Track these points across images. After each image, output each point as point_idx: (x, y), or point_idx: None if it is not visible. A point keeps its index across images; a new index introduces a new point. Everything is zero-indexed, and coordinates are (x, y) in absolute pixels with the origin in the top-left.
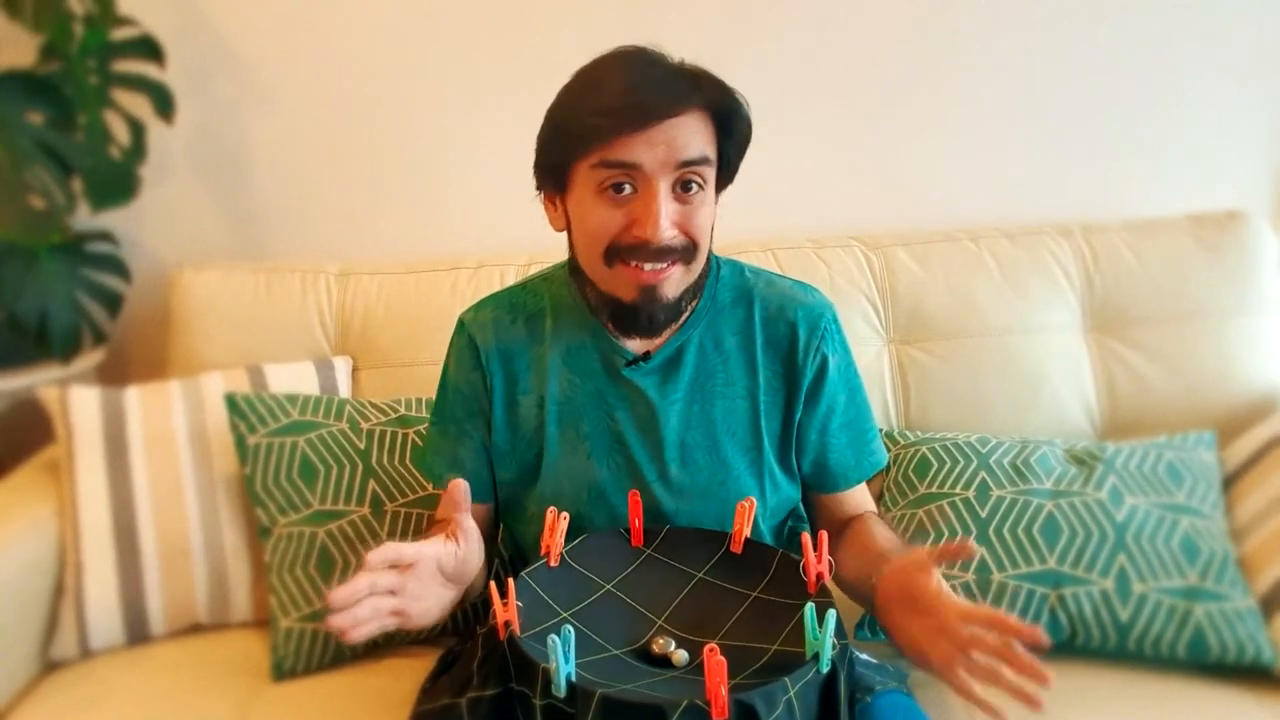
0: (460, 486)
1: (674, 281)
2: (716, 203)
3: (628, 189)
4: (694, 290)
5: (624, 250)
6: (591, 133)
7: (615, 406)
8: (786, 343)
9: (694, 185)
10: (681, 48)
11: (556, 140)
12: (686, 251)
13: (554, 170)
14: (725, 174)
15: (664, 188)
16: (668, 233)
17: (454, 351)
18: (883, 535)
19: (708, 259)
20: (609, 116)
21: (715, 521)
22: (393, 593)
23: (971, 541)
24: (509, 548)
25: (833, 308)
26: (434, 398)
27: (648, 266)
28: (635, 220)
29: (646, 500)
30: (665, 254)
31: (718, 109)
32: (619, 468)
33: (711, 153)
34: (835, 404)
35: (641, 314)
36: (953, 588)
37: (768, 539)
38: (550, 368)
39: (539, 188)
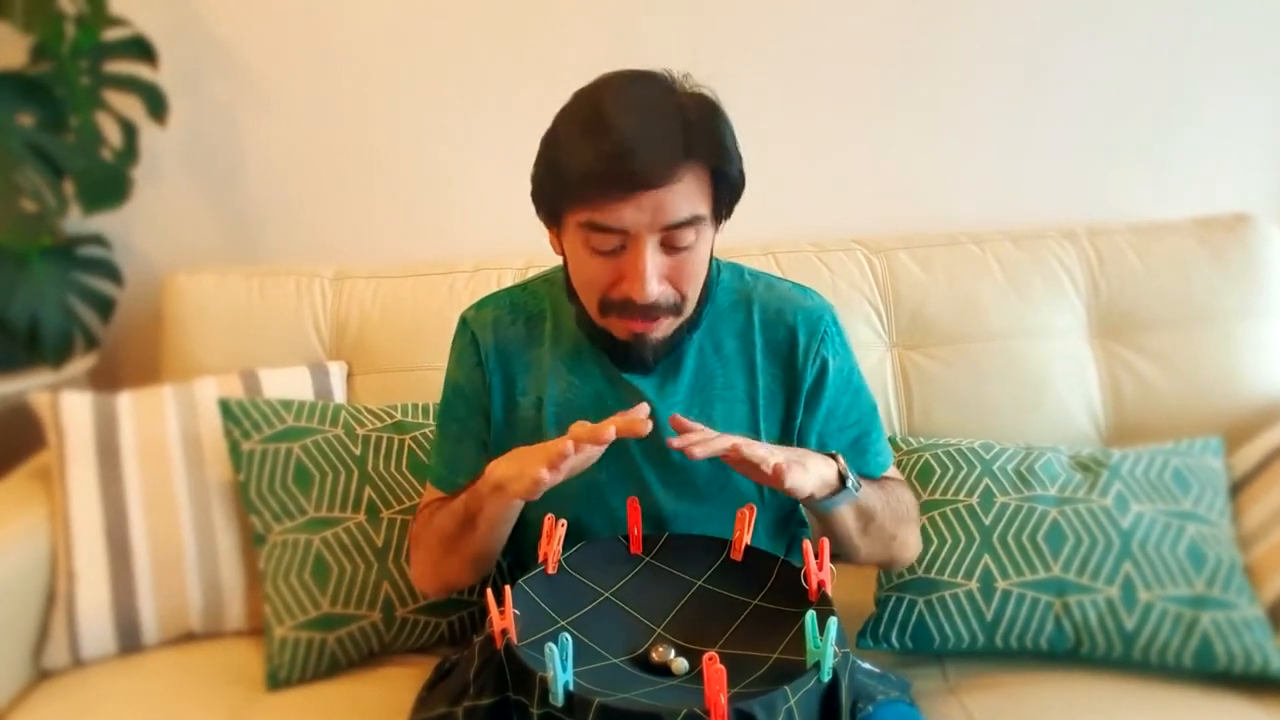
0: (644, 408)
1: (664, 327)
2: (717, 231)
3: (615, 244)
4: (691, 323)
5: (614, 305)
6: (578, 193)
7: (615, 409)
8: (786, 346)
9: (685, 238)
10: (682, 51)
11: (548, 185)
12: (675, 307)
13: (547, 210)
14: (724, 213)
15: (651, 245)
16: (655, 292)
17: (456, 349)
18: None
19: (707, 266)
20: (595, 182)
21: (714, 524)
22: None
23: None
24: (507, 554)
25: (832, 310)
26: (431, 402)
27: (638, 318)
28: (623, 275)
29: (646, 503)
30: (653, 311)
31: (711, 164)
32: (618, 470)
33: (704, 208)
34: (836, 407)
35: (634, 355)
36: (955, 596)
37: (766, 544)
38: (549, 369)
39: (537, 214)
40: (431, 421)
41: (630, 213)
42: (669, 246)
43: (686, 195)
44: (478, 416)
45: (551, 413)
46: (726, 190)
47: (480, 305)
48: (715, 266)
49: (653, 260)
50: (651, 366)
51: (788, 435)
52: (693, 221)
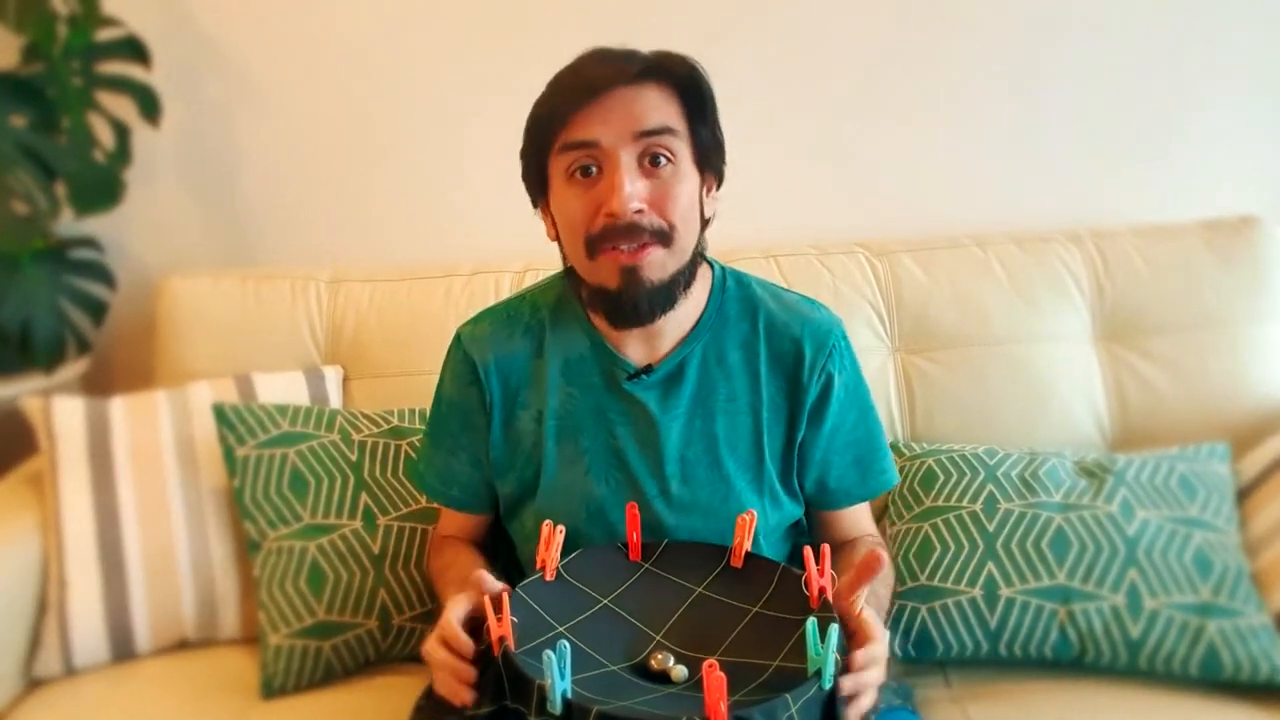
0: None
1: (655, 264)
2: (709, 194)
3: (594, 170)
4: (686, 278)
5: (599, 237)
6: (550, 119)
7: (615, 422)
8: (791, 360)
9: (662, 159)
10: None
11: (530, 144)
12: (661, 234)
13: (534, 174)
14: (704, 156)
15: (627, 160)
16: (632, 204)
17: (450, 365)
18: None
19: (704, 260)
20: (562, 97)
21: (715, 538)
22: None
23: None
24: (506, 560)
25: (841, 325)
26: (427, 409)
27: (623, 246)
28: (603, 201)
29: (646, 516)
30: (636, 232)
31: (679, 82)
32: (618, 484)
33: (678, 125)
34: (841, 423)
35: (626, 300)
36: (958, 604)
37: (766, 551)
38: (549, 381)
39: (533, 202)
40: None
41: (598, 124)
42: (646, 167)
43: (655, 106)
44: (471, 433)
45: (552, 426)
46: (700, 110)
47: (477, 320)
48: (721, 274)
49: (629, 176)
50: (648, 314)
51: (790, 450)
52: (665, 131)
